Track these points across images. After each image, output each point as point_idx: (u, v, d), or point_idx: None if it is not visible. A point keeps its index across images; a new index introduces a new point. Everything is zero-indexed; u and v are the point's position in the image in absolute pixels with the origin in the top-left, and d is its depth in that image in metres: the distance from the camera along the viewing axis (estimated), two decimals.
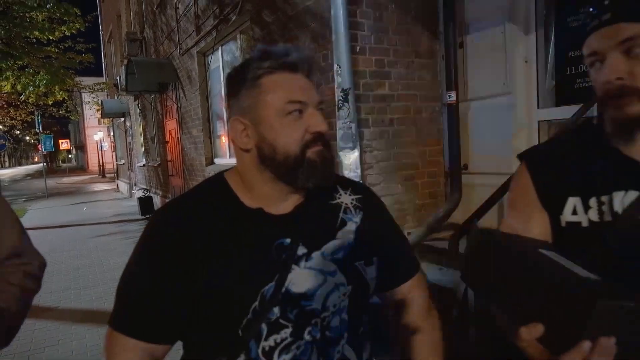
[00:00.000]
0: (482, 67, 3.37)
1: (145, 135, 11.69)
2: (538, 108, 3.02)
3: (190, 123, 7.57)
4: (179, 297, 0.85)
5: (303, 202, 0.93)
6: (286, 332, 0.85)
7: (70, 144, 40.83)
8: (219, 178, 0.97)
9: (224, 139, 6.73)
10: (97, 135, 28.50)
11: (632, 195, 0.85)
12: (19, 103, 18.29)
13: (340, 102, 3.14)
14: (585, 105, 2.52)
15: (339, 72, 3.11)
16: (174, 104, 8.34)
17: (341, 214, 0.96)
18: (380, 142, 3.40)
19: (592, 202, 0.89)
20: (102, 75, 19.38)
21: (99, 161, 30.28)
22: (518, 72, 3.06)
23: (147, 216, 9.63)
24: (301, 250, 0.89)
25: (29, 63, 11.14)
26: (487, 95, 3.35)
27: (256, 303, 0.84)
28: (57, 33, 11.06)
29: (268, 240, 0.88)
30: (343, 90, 3.11)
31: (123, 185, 16.86)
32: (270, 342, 0.84)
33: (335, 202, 0.97)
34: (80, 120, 35.20)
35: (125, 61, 9.59)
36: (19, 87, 11.81)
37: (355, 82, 3.18)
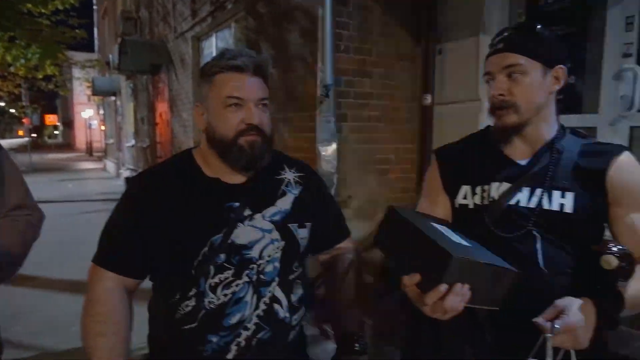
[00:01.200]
0: (457, 74, 3.59)
1: (135, 116, 11.73)
2: None
3: (181, 106, 7.69)
4: (146, 240, 1.10)
5: (253, 175, 1.18)
6: (228, 273, 1.10)
7: (57, 120, 40.31)
8: (187, 152, 1.24)
9: None
10: (86, 112, 28.26)
11: (505, 186, 1.11)
12: (6, 74, 18.03)
13: (321, 96, 3.35)
14: None
15: (322, 68, 3.32)
16: (166, 87, 8.45)
17: (283, 187, 1.22)
18: (357, 137, 3.62)
19: (478, 189, 1.15)
20: (94, 51, 19.23)
21: (86, 139, 30.00)
22: None
23: None
24: (247, 212, 1.14)
25: (20, 35, 11.02)
26: (459, 100, 3.58)
27: (205, 249, 1.09)
28: (50, 6, 10.96)
29: (221, 202, 1.13)
30: (325, 86, 3.32)
31: (110, 165, 16.85)
32: (216, 279, 1.09)
33: (280, 177, 1.24)
34: (69, 96, 34.74)
35: (119, 40, 9.63)
36: (9, 59, 11.71)
37: (337, 79, 3.39)
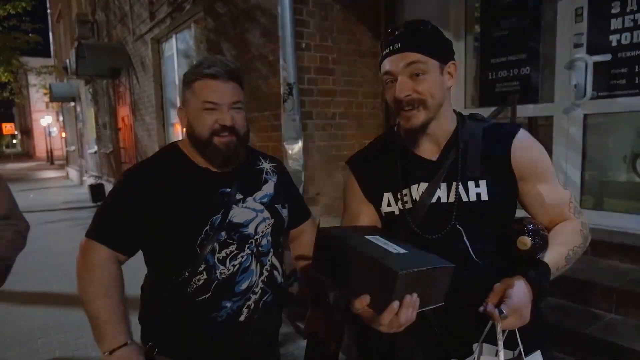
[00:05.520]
0: None
1: (97, 121, 11.41)
2: (465, 108, 3.34)
3: (143, 110, 7.52)
4: (142, 219, 1.23)
5: (238, 166, 1.33)
6: (232, 247, 1.27)
7: (14, 128, 38.76)
8: (173, 146, 1.38)
9: (178, 127, 6.76)
10: (45, 119, 27.28)
11: (423, 186, 1.13)
12: None
13: (285, 95, 3.34)
14: (499, 107, 2.84)
15: (285, 66, 3.30)
16: (127, 90, 8.24)
17: (264, 175, 1.42)
18: (322, 134, 3.63)
19: (399, 195, 1.15)
20: (49, 57, 18.55)
21: (46, 147, 28.95)
22: None
23: (99, 203, 9.46)
24: (238, 196, 1.31)
25: None
26: None
27: (207, 227, 1.24)
28: (1, 11, 10.54)
29: (214, 187, 1.29)
30: (288, 85, 3.31)
31: (73, 173, 16.33)
32: (222, 254, 1.26)
33: (259, 167, 1.43)
34: (26, 103, 33.41)
35: (76, 44, 9.32)
36: None
37: (300, 77, 3.39)
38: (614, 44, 2.59)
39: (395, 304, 0.86)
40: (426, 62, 1.06)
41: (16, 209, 1.46)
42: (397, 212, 1.16)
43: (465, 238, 1.08)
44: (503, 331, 0.96)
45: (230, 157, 1.27)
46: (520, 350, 1.00)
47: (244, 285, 1.28)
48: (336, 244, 0.99)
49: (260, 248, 1.31)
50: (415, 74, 1.06)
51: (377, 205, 1.20)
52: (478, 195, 1.10)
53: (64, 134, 19.87)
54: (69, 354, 3.14)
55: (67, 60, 11.33)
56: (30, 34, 11.97)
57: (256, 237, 1.31)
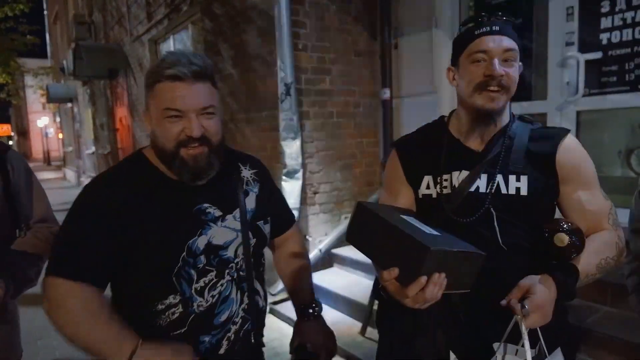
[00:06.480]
0: (413, 68, 3.69)
1: (94, 122, 11.40)
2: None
3: (141, 110, 7.54)
4: (110, 246, 1.03)
5: (215, 175, 1.13)
6: (212, 275, 1.11)
7: (11, 130, 38.63)
8: (138, 154, 1.17)
9: None
10: (42, 121, 27.19)
11: (464, 174, 1.17)
12: None
13: (283, 95, 3.38)
14: None
15: (282, 67, 3.35)
16: (125, 91, 8.26)
17: (245, 186, 1.23)
18: (320, 133, 3.67)
19: (439, 179, 1.20)
20: (46, 58, 18.52)
21: (43, 148, 28.87)
22: (443, 73, 3.40)
23: None
24: (217, 213, 1.14)
25: None
26: (416, 93, 3.68)
27: (184, 253, 1.07)
28: None
29: (190, 204, 1.11)
30: (286, 85, 3.35)
31: (70, 174, 16.31)
32: (201, 283, 1.10)
33: (239, 176, 1.23)
34: (22, 104, 33.31)
35: (73, 45, 9.32)
36: None
37: (297, 77, 3.43)
38: (604, 42, 2.64)
39: (423, 278, 0.90)
40: (517, 53, 1.10)
41: (51, 213, 1.51)
42: (434, 195, 1.19)
43: (495, 224, 1.11)
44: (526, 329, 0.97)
45: (201, 171, 1.08)
46: (541, 348, 1.00)
47: (224, 317, 1.13)
48: (372, 216, 1.03)
49: (240, 273, 1.16)
50: (506, 60, 1.09)
51: (416, 186, 1.23)
52: (517, 189, 1.12)
53: (60, 135, 19.84)
54: (69, 354, 3.14)
55: (64, 62, 11.32)
56: (27, 36, 11.94)
57: (236, 260, 1.15)
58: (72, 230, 1.07)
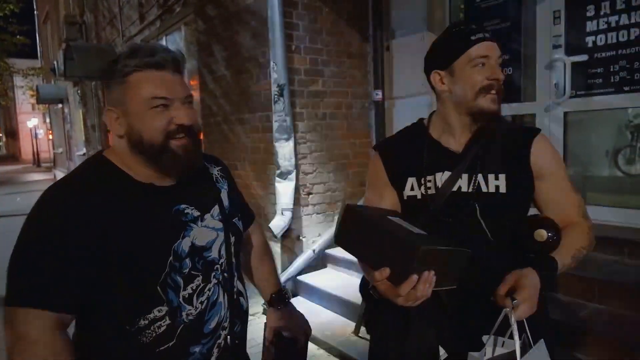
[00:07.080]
0: (405, 69, 3.74)
1: (85, 123, 11.35)
2: None
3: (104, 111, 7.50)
4: (82, 266, 0.93)
5: (186, 175, 1.08)
6: (198, 280, 1.06)
7: None
8: (100, 157, 1.07)
9: None
10: (31, 121, 26.96)
11: (446, 174, 1.22)
12: None
13: (276, 96, 3.41)
14: None
15: (275, 68, 3.38)
16: None
17: (216, 184, 1.20)
18: (313, 134, 3.70)
19: (422, 180, 1.24)
20: (36, 58, 18.36)
21: (33, 150, 28.58)
22: None
23: None
24: (196, 213, 1.08)
25: None
26: (408, 95, 3.73)
27: (171, 257, 1.00)
28: None
29: (166, 207, 1.04)
30: (279, 86, 3.39)
31: (61, 175, 16.18)
32: (188, 290, 1.03)
33: (208, 173, 1.21)
34: (11, 105, 32.97)
35: (64, 45, 9.27)
36: None
37: (290, 78, 3.46)
38: (590, 45, 2.70)
39: (415, 277, 0.94)
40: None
41: None
42: (419, 197, 1.24)
43: (480, 221, 1.17)
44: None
45: (190, 163, 1.05)
46: (525, 339, 1.03)
47: (213, 323, 1.08)
48: (361, 219, 1.07)
49: (225, 274, 1.12)
50: (499, 65, 1.17)
51: (400, 188, 1.27)
52: (497, 187, 1.18)
53: (50, 136, 19.67)
54: None
55: (55, 62, 11.25)
56: (17, 36, 11.85)
57: (221, 261, 1.11)
58: (37, 253, 0.93)
